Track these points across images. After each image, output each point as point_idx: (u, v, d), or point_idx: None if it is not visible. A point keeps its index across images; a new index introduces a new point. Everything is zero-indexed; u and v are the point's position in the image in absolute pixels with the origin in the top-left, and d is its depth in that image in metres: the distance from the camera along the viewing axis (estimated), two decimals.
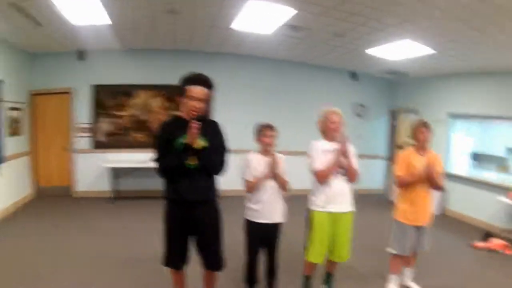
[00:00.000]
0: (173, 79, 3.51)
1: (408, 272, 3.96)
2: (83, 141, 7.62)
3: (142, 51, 7.61)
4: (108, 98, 7.61)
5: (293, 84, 8.66)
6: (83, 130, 7.57)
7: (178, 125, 2.72)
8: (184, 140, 2.63)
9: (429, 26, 4.73)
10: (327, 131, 3.38)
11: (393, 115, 9.26)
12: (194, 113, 2.71)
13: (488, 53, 5.73)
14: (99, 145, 7.64)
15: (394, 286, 3.85)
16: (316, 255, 3.35)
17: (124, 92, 7.67)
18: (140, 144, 7.70)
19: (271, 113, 7.59)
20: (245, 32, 6.01)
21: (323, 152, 3.30)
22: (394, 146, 8.99)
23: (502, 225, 6.39)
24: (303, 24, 5.29)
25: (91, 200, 7.33)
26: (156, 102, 7.78)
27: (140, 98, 7.73)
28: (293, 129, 7.80)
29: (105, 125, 7.65)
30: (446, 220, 7.16)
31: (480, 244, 5.74)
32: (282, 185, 3.32)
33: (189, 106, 2.72)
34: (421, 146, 3.65)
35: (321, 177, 3.26)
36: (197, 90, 2.71)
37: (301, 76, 8.67)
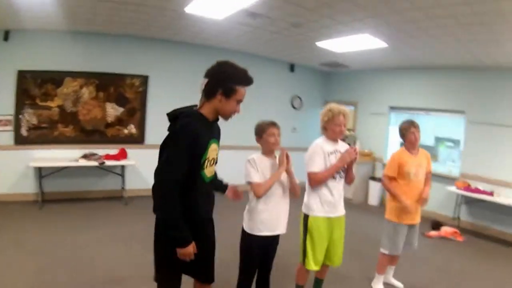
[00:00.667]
0: (107, 67, 2.95)
1: (390, 270, 4.04)
2: (3, 136, 6.30)
3: (76, 34, 6.51)
4: (34, 86, 6.39)
5: None
6: (3, 123, 6.29)
7: (206, 130, 2.23)
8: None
9: (394, 20, 4.63)
10: (331, 132, 3.20)
11: None
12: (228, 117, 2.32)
13: (433, 50, 5.93)
14: (22, 141, 6.38)
15: (381, 285, 3.90)
16: (316, 262, 3.17)
17: (53, 79, 6.51)
18: (69, 140, 6.71)
19: None
20: (195, 17, 5.36)
21: (324, 154, 3.13)
22: None
23: (450, 214, 6.91)
24: (263, 12, 4.88)
25: (13, 205, 6.09)
26: (88, 92, 6.79)
27: (70, 86, 6.66)
28: (235, 122, 7.40)
29: (30, 117, 6.42)
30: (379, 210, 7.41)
31: (433, 233, 6.11)
32: (294, 187, 2.98)
33: (232, 109, 2.26)
34: (412, 146, 3.70)
35: (317, 182, 3.09)
36: (245, 93, 2.27)
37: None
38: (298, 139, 8.36)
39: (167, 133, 2.17)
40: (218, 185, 2.76)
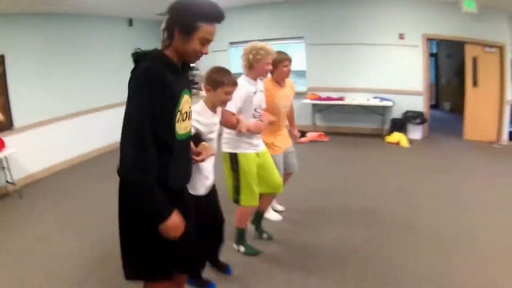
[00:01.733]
0: None
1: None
2: None
3: None
4: None
5: (73, 39, 7.22)
6: None
7: (173, 77, 1.75)
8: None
9: None
10: (259, 70, 3.13)
11: None
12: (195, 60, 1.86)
13: None
14: None
15: (273, 213, 4.28)
16: (255, 197, 3.20)
17: None
18: None
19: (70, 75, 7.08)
20: None
21: (241, 96, 3.01)
22: None
23: (309, 123, 8.50)
24: None
25: None
26: None
27: None
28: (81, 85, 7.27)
29: None
30: None
31: (303, 139, 7.18)
32: None
33: (198, 51, 1.76)
34: (282, 78, 3.65)
35: (230, 124, 2.98)
36: (213, 31, 1.78)
37: (79, 29, 7.38)
38: None
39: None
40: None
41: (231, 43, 8.87)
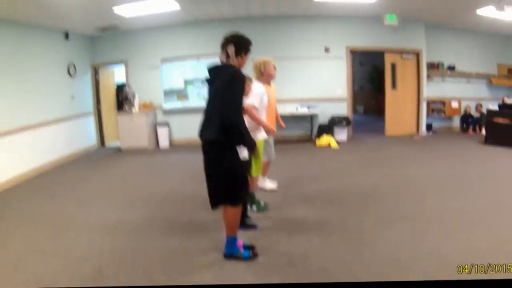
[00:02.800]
0: None
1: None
2: None
3: None
4: None
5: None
6: None
7: None
8: None
9: None
10: (267, 76, 4.31)
11: (96, 71, 9.11)
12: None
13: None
14: None
15: (269, 183, 5.19)
16: (258, 171, 4.10)
17: None
18: None
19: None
20: None
21: (259, 94, 3.91)
22: (98, 101, 9.19)
23: None
24: None
25: None
26: None
27: None
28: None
29: None
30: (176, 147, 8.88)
31: None
32: None
33: (245, 63, 3.18)
34: (269, 80, 4.43)
35: (252, 115, 3.79)
36: None
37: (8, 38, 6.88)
38: (77, 106, 8.36)
39: None
40: None
41: (163, 59, 8.95)
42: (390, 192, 5.01)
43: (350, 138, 9.00)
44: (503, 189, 5.04)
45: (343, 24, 8.87)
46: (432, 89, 9.90)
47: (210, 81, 3.04)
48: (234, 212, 3.08)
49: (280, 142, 8.27)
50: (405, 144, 8.52)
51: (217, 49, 8.45)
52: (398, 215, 4.16)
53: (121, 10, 6.57)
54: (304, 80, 8.89)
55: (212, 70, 3.06)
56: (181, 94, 10.55)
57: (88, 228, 4.01)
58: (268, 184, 5.20)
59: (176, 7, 6.65)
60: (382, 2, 7.05)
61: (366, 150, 7.91)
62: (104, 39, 8.90)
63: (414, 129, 9.70)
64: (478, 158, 7.05)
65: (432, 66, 9.81)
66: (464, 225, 3.83)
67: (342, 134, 8.88)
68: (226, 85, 2.86)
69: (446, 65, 10.03)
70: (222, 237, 3.31)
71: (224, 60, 3.03)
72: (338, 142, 8.44)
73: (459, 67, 10.06)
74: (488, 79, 10.31)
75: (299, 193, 5.07)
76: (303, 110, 8.61)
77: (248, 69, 3.77)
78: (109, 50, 9.02)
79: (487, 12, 7.38)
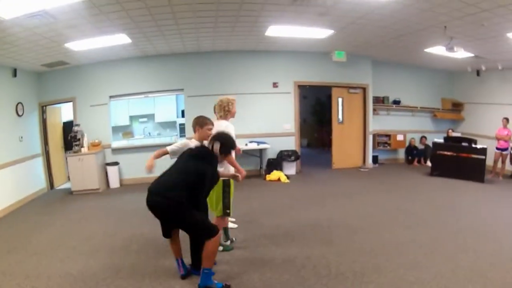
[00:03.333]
0: None
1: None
2: None
3: None
4: None
5: None
6: None
7: None
8: None
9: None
10: (230, 114, 4.41)
11: (43, 109, 8.58)
12: None
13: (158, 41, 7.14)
14: None
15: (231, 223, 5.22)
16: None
17: None
18: None
19: None
20: None
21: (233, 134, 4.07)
22: (46, 141, 8.59)
23: None
24: None
25: None
26: None
27: None
28: None
29: None
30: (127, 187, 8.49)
31: None
32: None
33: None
34: (232, 117, 4.51)
35: (230, 161, 4.02)
36: None
37: None
38: (25, 147, 7.75)
39: None
40: None
41: (111, 96, 8.69)
42: (347, 226, 5.19)
43: (298, 172, 9.14)
44: (452, 220, 5.35)
45: (291, 59, 9.13)
46: (378, 123, 10.31)
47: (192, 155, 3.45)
48: (215, 241, 3.31)
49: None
50: (353, 176, 8.79)
51: (166, 85, 8.47)
52: (358, 248, 4.35)
53: (72, 45, 6.41)
54: (253, 116, 8.94)
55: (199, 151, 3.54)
56: (126, 131, 10.72)
57: (52, 284, 3.69)
58: (229, 222, 5.17)
59: (127, 40, 6.57)
60: (332, 39, 7.33)
61: (316, 184, 8.06)
62: (52, 76, 8.49)
63: (360, 162, 9.99)
64: (425, 190, 7.37)
65: (378, 100, 10.26)
66: (420, 256, 4.07)
67: (291, 168, 9.04)
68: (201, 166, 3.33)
69: (391, 99, 10.49)
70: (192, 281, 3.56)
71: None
72: (287, 176, 8.57)
73: (404, 101, 10.56)
74: (432, 112, 10.84)
75: (260, 229, 5.20)
76: (253, 146, 8.64)
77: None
78: (57, 86, 8.58)
79: (434, 50, 7.84)
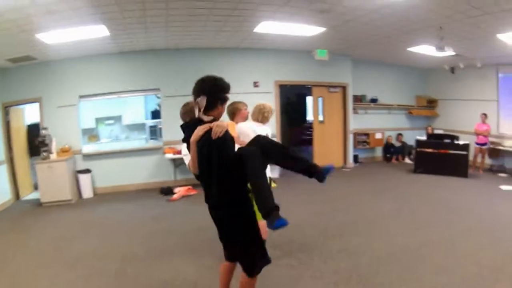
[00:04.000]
0: None
1: None
2: None
3: None
4: None
5: None
6: None
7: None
8: None
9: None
10: (241, 116, 4.11)
11: (7, 111, 7.64)
12: None
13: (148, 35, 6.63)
14: None
15: None
16: None
17: None
18: None
19: None
20: None
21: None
22: (10, 147, 7.64)
23: (171, 178, 8.08)
24: None
25: None
26: None
27: None
28: None
29: None
30: (101, 196, 7.73)
31: (175, 196, 7.12)
32: None
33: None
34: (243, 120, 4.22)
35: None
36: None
37: None
38: None
39: None
40: None
41: (81, 96, 7.87)
42: (359, 232, 4.96)
43: (282, 175, 8.89)
44: (456, 218, 5.36)
45: (272, 57, 8.80)
46: (357, 122, 10.25)
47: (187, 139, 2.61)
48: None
49: None
50: (339, 177, 8.63)
51: (142, 85, 7.77)
52: (377, 256, 4.11)
53: (44, 37, 5.70)
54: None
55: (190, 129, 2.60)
56: (92, 134, 9.83)
57: None
58: None
59: (106, 33, 5.97)
60: (320, 37, 7.10)
61: (302, 186, 7.56)
62: (16, 72, 7.58)
63: (341, 161, 9.90)
64: (416, 188, 7.40)
65: (356, 99, 10.18)
66: (441, 259, 3.95)
67: (274, 171, 8.75)
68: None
69: (368, 97, 10.46)
70: None
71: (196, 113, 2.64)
72: (273, 180, 8.18)
73: (381, 99, 10.54)
74: (408, 110, 10.93)
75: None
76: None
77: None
78: (21, 84, 7.66)
79: (417, 49, 7.88)
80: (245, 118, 4.18)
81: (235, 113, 4.14)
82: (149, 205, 6.81)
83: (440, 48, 6.64)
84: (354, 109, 10.09)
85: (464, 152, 8.14)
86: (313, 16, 5.72)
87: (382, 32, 6.73)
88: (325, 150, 9.71)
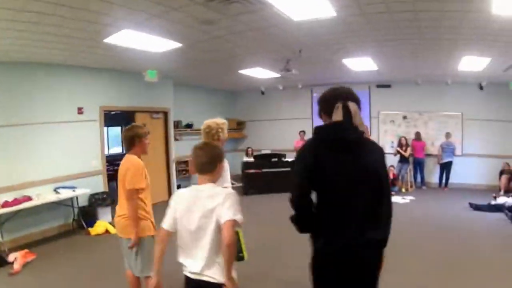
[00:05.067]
0: None
1: None
2: None
3: None
4: None
5: None
6: None
7: None
8: None
9: None
10: (224, 140, 3.39)
11: None
12: None
13: None
14: None
15: None
16: None
17: None
18: None
19: None
20: None
21: None
22: None
23: None
24: None
25: None
26: None
27: None
28: None
29: None
30: None
31: (16, 267, 4.81)
32: None
33: None
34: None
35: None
36: None
37: None
38: None
39: None
40: None
41: None
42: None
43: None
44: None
45: (97, 80, 7.30)
46: (177, 149, 9.64)
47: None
48: None
49: (39, 242, 5.94)
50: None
51: None
52: None
53: None
54: (56, 153, 6.57)
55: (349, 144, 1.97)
56: None
57: None
58: None
59: None
60: (166, 55, 6.23)
61: None
62: None
63: (166, 195, 8.94)
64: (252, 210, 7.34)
65: (174, 125, 9.60)
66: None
67: (106, 215, 7.19)
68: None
69: (184, 123, 10.07)
70: None
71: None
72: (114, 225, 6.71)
73: (196, 124, 10.31)
74: None
75: None
76: (67, 193, 6.36)
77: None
78: None
79: (248, 72, 8.10)
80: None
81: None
82: None
83: (287, 70, 7.06)
84: (174, 135, 9.46)
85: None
86: (194, 27, 4.94)
87: (225, 54, 6.62)
88: (151, 184, 8.64)
